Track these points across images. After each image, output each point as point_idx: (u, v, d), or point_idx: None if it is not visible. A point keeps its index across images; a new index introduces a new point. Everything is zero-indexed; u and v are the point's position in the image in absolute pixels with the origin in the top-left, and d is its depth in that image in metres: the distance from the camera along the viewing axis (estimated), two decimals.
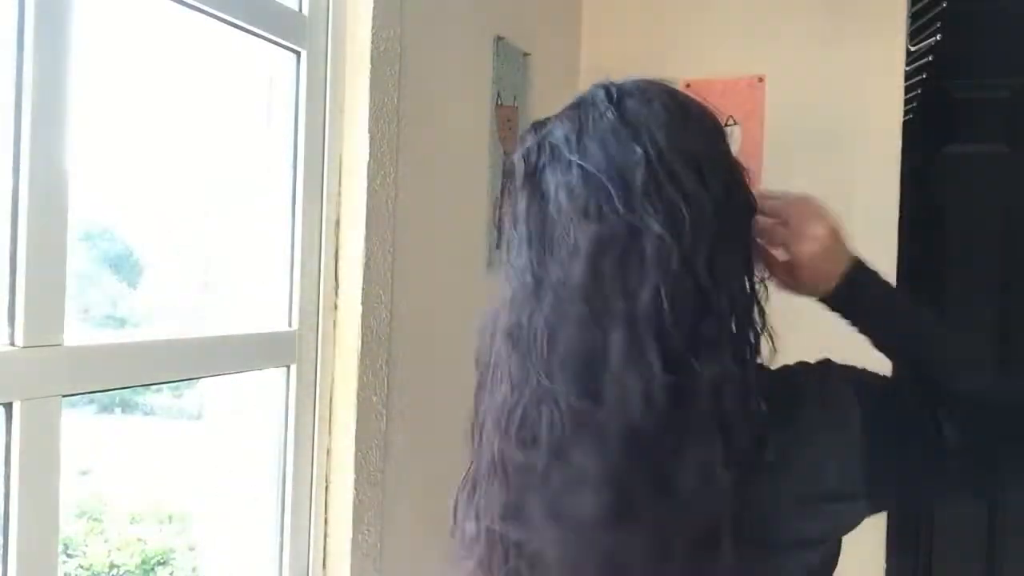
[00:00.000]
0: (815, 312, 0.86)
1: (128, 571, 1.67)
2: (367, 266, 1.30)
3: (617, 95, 0.75)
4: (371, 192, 1.31)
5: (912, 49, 1.99)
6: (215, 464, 1.29)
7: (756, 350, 0.75)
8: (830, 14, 1.99)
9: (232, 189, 1.28)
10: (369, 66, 1.29)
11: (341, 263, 1.31)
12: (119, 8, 1.11)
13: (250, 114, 1.25)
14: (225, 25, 1.11)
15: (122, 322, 1.32)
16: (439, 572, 0.87)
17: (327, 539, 1.31)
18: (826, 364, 0.80)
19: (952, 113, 2.60)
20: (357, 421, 1.29)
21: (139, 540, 1.71)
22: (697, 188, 0.71)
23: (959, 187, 2.63)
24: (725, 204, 0.72)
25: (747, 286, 0.76)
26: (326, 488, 1.31)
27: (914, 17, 2.00)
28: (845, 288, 0.81)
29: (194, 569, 1.79)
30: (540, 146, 0.76)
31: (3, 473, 0.83)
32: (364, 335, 1.30)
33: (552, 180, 0.74)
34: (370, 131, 1.30)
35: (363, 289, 1.30)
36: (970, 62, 2.46)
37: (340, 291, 1.31)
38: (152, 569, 1.69)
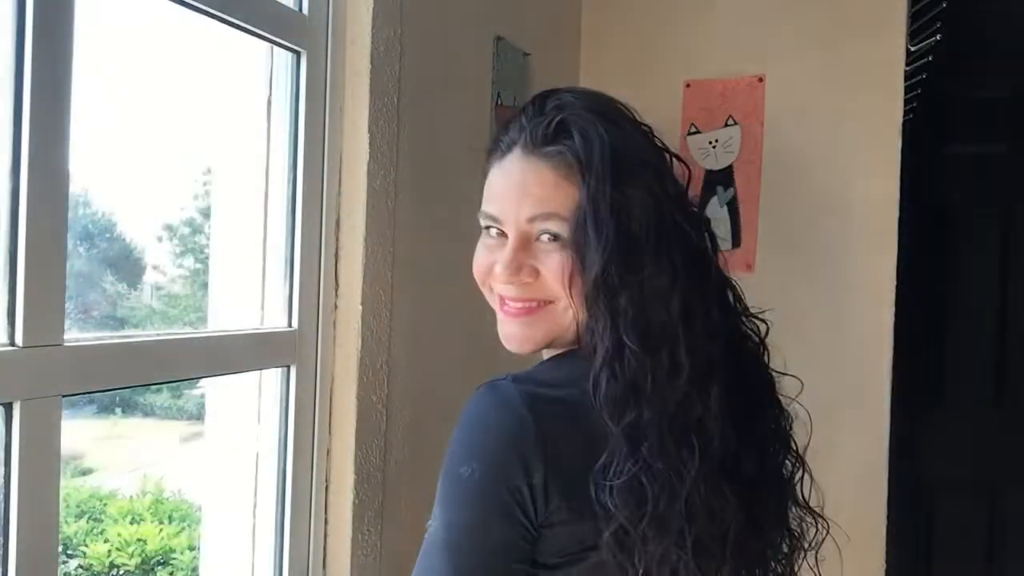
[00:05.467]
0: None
1: (128, 571, 1.67)
2: (367, 266, 1.30)
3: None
4: (371, 192, 1.31)
5: (912, 49, 1.99)
6: (215, 464, 1.29)
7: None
8: (830, 14, 1.99)
9: (232, 189, 1.28)
10: (369, 66, 1.29)
11: (341, 263, 1.31)
12: (119, 8, 1.11)
13: (250, 114, 1.25)
14: (225, 25, 1.11)
15: (122, 322, 1.32)
16: None
17: (327, 539, 1.31)
18: None
19: (952, 113, 2.61)
20: (357, 421, 1.29)
21: (139, 540, 1.70)
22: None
23: (959, 187, 2.63)
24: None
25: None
26: (326, 488, 1.31)
27: (914, 17, 2.00)
28: None
29: (194, 569, 1.79)
30: None
31: (3, 473, 0.83)
32: (364, 335, 1.30)
33: None
34: (370, 131, 1.30)
35: (363, 289, 1.30)
36: (970, 62, 2.47)
37: (340, 291, 1.31)
38: (152, 569, 1.69)
